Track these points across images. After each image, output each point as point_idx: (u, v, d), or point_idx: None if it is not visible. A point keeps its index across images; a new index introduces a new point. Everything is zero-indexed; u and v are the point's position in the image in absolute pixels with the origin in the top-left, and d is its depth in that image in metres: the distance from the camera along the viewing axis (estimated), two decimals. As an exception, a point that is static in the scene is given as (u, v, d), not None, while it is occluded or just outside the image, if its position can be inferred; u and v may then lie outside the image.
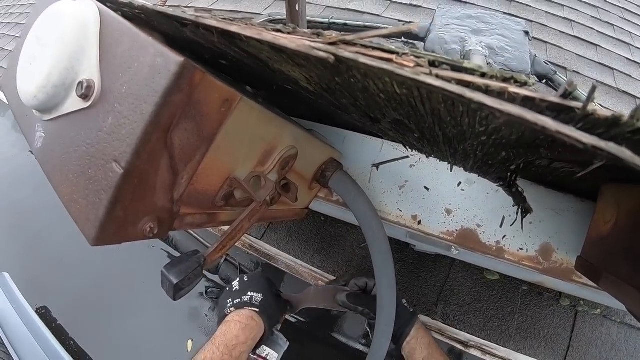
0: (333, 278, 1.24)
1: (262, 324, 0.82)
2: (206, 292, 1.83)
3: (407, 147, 0.90)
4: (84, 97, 0.46)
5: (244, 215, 0.57)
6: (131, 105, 0.42)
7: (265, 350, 0.95)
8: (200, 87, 0.42)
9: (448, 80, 0.27)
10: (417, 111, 0.44)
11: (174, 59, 0.39)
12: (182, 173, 0.47)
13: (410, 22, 1.86)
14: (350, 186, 0.81)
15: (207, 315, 1.82)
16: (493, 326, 1.19)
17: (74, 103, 0.49)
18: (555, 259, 0.84)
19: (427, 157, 0.91)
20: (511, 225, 0.86)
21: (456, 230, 0.92)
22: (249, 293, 0.86)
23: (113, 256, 2.20)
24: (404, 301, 0.96)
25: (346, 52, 0.31)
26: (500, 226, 0.91)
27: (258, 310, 0.82)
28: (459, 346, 1.18)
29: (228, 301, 0.86)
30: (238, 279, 0.92)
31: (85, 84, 0.46)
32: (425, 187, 0.94)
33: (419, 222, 0.92)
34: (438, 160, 0.90)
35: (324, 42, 0.32)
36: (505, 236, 0.90)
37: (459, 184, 0.93)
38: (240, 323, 0.78)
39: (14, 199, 2.80)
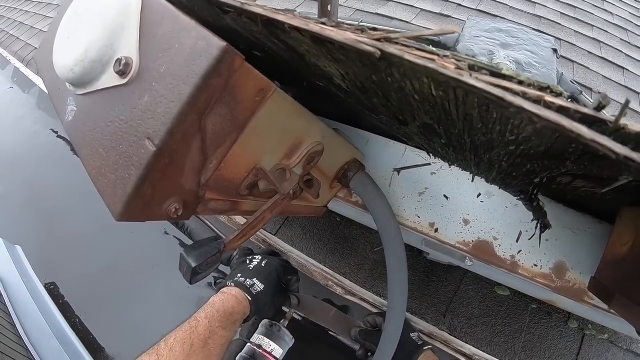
0: (342, 279, 1.24)
1: (248, 310, 0.84)
2: (215, 283, 1.85)
3: (431, 154, 0.90)
4: (121, 74, 0.47)
5: (267, 206, 0.57)
6: (169, 85, 0.42)
7: (271, 345, 0.95)
8: (239, 74, 0.42)
9: (488, 84, 0.27)
10: (449, 115, 0.44)
11: (216, 43, 0.39)
12: (212, 158, 0.47)
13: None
14: (372, 188, 0.80)
15: None
16: (499, 342, 1.18)
17: (110, 79, 0.49)
18: (568, 278, 0.83)
19: (449, 165, 0.91)
20: (529, 240, 0.85)
21: (472, 241, 0.91)
22: (255, 279, 0.89)
23: (126, 240, 2.25)
24: (414, 335, 0.97)
25: (392, 48, 0.31)
26: (517, 241, 0.90)
27: (251, 299, 0.85)
28: (462, 359, 1.17)
29: (238, 275, 0.90)
30: (258, 260, 0.95)
31: (123, 61, 0.46)
32: (445, 196, 0.93)
33: (436, 230, 0.92)
34: (460, 169, 0.90)
35: (369, 37, 0.33)
36: (520, 251, 0.89)
37: (479, 195, 0.92)
38: (237, 299, 0.82)
39: (33, 175, 2.85)
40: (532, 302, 1.22)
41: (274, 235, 1.34)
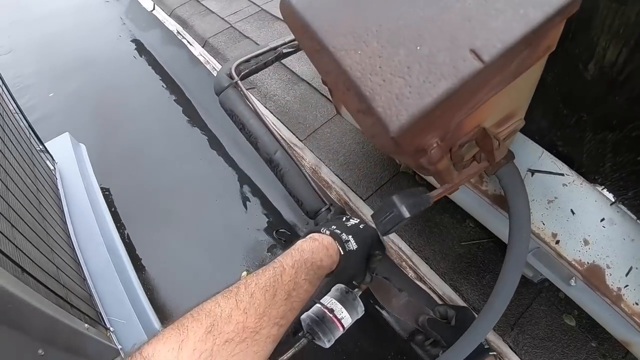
0: (419, 263, 1.22)
1: (334, 266, 0.78)
2: (277, 231, 1.85)
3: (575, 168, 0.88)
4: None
5: (474, 170, 0.55)
6: (512, 1, 0.37)
7: (343, 313, 0.92)
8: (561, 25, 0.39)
9: None
10: None
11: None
12: (486, 96, 0.43)
13: None
14: (519, 181, 0.78)
15: (269, 253, 1.83)
16: (553, 370, 1.16)
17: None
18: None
19: (580, 182, 0.89)
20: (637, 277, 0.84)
21: (587, 262, 0.89)
22: (350, 237, 0.82)
23: (192, 163, 2.26)
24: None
25: None
26: (626, 275, 0.88)
27: (342, 253, 0.78)
28: (509, 376, 1.16)
29: (332, 226, 0.83)
30: (356, 221, 0.89)
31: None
32: (572, 210, 0.91)
33: (557, 242, 0.89)
34: (590, 187, 0.88)
35: None
36: (627, 286, 0.87)
37: (602, 219, 0.89)
38: (327, 250, 0.76)
39: (110, 79, 2.87)
40: (592, 340, 1.21)
41: (364, 200, 1.32)
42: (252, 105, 1.25)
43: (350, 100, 0.47)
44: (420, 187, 0.55)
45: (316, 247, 0.74)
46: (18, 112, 1.81)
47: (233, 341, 0.51)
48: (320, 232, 0.80)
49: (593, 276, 0.89)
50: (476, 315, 0.97)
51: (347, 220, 0.89)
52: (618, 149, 0.77)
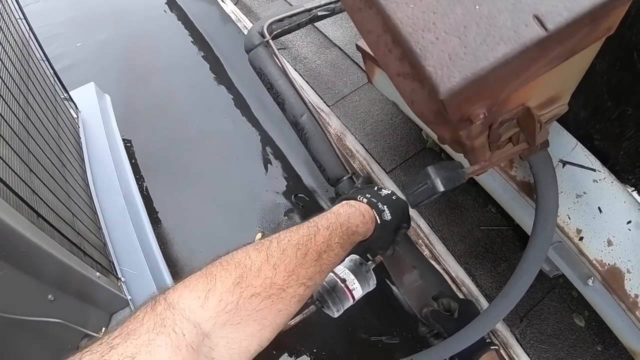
0: (436, 243, 1.21)
1: (368, 234, 0.76)
2: (295, 196, 1.85)
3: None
4: None
5: (514, 150, 0.53)
6: None
7: (355, 284, 0.91)
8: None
9: None
10: None
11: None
12: (536, 72, 0.41)
13: None
14: (550, 169, 0.75)
15: (285, 217, 1.84)
16: (557, 368, 1.16)
17: None
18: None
19: (611, 181, 0.86)
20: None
21: (608, 264, 0.86)
22: (385, 207, 0.79)
23: (216, 120, 2.26)
24: None
25: None
26: None
27: (379, 222, 0.76)
28: (512, 369, 1.16)
29: (367, 195, 0.81)
30: (389, 192, 0.85)
31: None
32: (599, 208, 0.88)
33: (581, 239, 0.87)
34: (620, 187, 0.85)
35: None
36: None
37: (629, 222, 0.86)
38: (364, 217, 0.74)
39: (137, 31, 2.86)
40: (599, 343, 1.19)
41: (387, 173, 1.30)
42: (282, 65, 1.22)
43: (392, 61, 0.44)
44: (456, 162, 0.53)
45: (353, 213, 0.72)
46: (45, 59, 1.82)
47: (259, 296, 0.50)
48: (357, 200, 0.79)
49: (612, 279, 0.87)
50: (480, 311, 0.96)
51: (380, 189, 0.87)
52: (659, 149, 0.74)
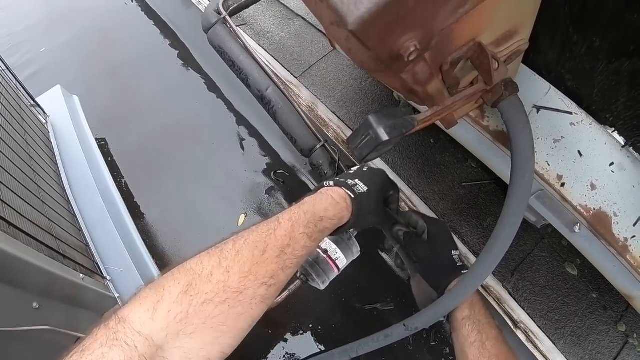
0: (419, 204, 1.18)
1: (349, 211, 0.72)
2: (274, 172, 1.83)
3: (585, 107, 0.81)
4: None
5: (469, 92, 0.48)
6: None
7: (337, 253, 0.89)
8: None
9: None
10: None
11: None
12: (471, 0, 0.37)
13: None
14: (523, 115, 0.70)
15: (267, 195, 1.82)
16: (553, 318, 1.15)
17: None
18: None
19: (589, 122, 0.82)
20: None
21: (594, 209, 0.84)
22: (356, 180, 0.76)
23: (187, 105, 2.24)
24: (455, 253, 0.86)
25: None
26: (634, 225, 0.84)
27: (353, 196, 0.72)
28: (509, 322, 1.15)
29: (336, 178, 0.77)
30: (360, 166, 0.83)
31: None
32: (579, 152, 0.85)
33: (562, 185, 0.84)
34: (600, 129, 0.82)
35: None
36: (634, 237, 0.83)
37: (611, 164, 0.84)
38: (333, 199, 0.69)
39: (101, 28, 2.83)
40: (593, 290, 1.19)
41: None
42: (242, 41, 1.18)
43: (324, 10, 0.40)
44: (403, 108, 0.49)
45: (319, 199, 0.68)
46: (6, 69, 1.77)
47: (212, 302, 0.48)
48: (325, 186, 0.75)
49: (599, 223, 0.86)
50: (449, 230, 0.92)
51: (350, 169, 0.84)
52: (635, 79, 0.70)
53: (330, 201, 0.69)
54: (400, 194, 1.21)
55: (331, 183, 0.75)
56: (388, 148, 0.48)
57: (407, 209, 1.21)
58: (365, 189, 0.75)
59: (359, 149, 0.50)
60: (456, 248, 0.87)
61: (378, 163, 1.26)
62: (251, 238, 0.56)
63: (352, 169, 0.82)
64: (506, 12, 0.44)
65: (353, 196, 0.72)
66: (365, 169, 0.81)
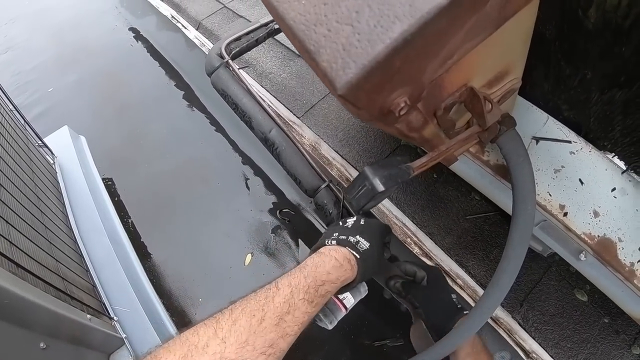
0: (424, 239, 1.18)
1: (355, 271, 0.71)
2: (280, 211, 1.84)
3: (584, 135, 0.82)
4: None
5: (463, 136, 0.50)
6: None
7: (345, 294, 0.88)
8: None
9: None
10: None
11: None
12: (459, 50, 0.38)
13: None
14: (521, 149, 0.72)
15: (273, 234, 1.83)
16: (565, 347, 1.13)
17: None
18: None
19: (589, 150, 0.83)
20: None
21: (598, 236, 0.84)
22: (358, 237, 0.75)
23: (193, 147, 2.26)
24: (453, 296, 0.86)
25: None
26: (639, 248, 0.83)
27: (358, 257, 0.71)
28: (520, 353, 1.13)
29: (334, 234, 0.76)
30: (355, 219, 0.82)
31: None
32: (580, 180, 0.85)
33: (565, 214, 0.84)
34: (600, 155, 0.82)
35: None
36: None
37: (613, 189, 0.84)
38: (336, 260, 0.68)
39: (108, 69, 2.89)
40: (605, 315, 1.17)
41: None
42: (245, 83, 1.21)
43: (314, 68, 0.41)
44: (399, 157, 0.49)
45: (321, 261, 0.67)
46: (15, 110, 1.81)
47: None
48: (326, 245, 0.73)
49: (604, 250, 0.85)
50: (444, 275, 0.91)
51: (346, 221, 0.83)
52: (628, 109, 0.72)
53: (333, 263, 0.67)
54: (406, 230, 1.22)
55: (333, 242, 0.74)
56: (385, 197, 0.49)
57: (412, 244, 1.21)
58: (368, 245, 0.73)
59: (357, 199, 0.51)
60: (454, 291, 0.87)
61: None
62: (248, 306, 0.54)
63: (349, 221, 0.81)
64: (495, 56, 0.46)
65: (358, 256, 0.71)
66: (362, 221, 0.80)
